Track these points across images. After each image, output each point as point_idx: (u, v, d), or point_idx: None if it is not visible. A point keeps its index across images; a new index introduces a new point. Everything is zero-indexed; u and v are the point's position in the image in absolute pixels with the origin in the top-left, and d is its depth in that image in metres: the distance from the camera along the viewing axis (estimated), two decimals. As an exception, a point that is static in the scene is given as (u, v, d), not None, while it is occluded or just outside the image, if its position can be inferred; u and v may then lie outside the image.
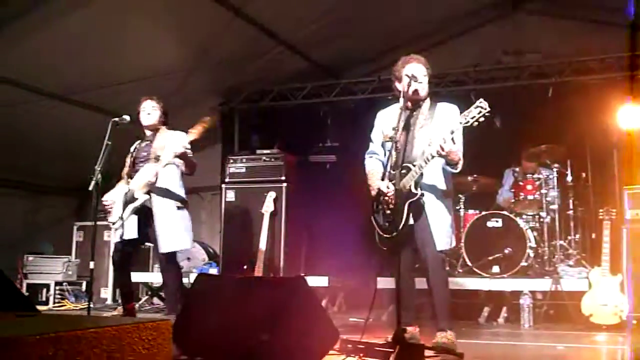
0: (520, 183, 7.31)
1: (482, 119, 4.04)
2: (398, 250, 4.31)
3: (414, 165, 4.33)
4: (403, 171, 4.37)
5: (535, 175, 7.29)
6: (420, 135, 4.47)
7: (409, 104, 4.51)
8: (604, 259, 5.87)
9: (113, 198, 5.46)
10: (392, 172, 4.30)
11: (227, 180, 7.83)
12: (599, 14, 7.96)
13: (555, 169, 7.23)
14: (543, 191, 7.08)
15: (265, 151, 7.79)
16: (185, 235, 5.50)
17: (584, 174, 7.47)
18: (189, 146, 5.25)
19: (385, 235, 4.46)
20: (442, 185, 4.50)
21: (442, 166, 4.48)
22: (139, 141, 5.74)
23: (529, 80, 8.00)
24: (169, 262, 5.45)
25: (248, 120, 9.43)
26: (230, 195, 7.75)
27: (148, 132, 5.66)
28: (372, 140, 4.83)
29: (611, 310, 5.70)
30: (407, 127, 4.51)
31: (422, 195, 4.36)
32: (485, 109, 4.02)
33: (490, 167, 7.73)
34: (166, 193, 5.41)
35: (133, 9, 6.67)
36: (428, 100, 4.62)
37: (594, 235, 7.27)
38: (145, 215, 5.40)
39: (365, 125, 5.04)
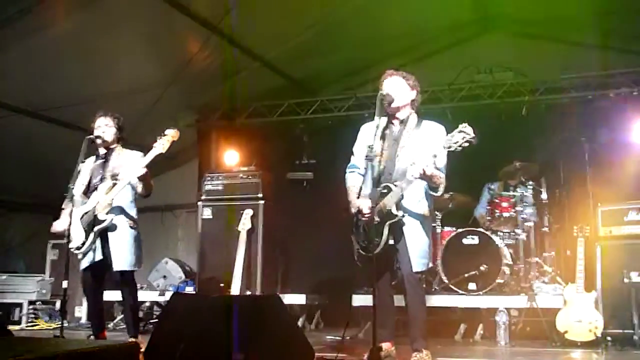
0: (496, 200, 7.35)
1: (465, 144, 4.02)
2: (376, 269, 4.29)
3: (396, 186, 4.32)
4: (384, 190, 4.36)
5: (511, 193, 7.34)
6: (403, 154, 4.45)
7: (391, 117, 4.52)
8: (578, 276, 5.90)
9: (67, 224, 5.14)
10: (372, 188, 4.28)
11: (203, 197, 7.79)
12: (570, 35, 8.09)
13: (530, 187, 7.29)
14: (518, 208, 7.11)
15: (242, 168, 7.77)
16: (139, 255, 5.36)
17: (558, 191, 7.53)
18: (145, 170, 5.11)
19: (364, 254, 4.45)
20: (423, 207, 4.50)
21: (424, 188, 4.48)
22: (90, 159, 5.47)
23: (502, 99, 8.09)
24: (125, 280, 5.32)
25: (225, 137, 9.41)
26: (207, 213, 7.70)
27: (102, 150, 5.47)
28: (354, 154, 4.78)
29: (586, 327, 5.72)
30: (391, 143, 4.51)
31: (403, 216, 4.36)
32: (469, 135, 4.00)
33: (465, 185, 7.74)
34: (120, 211, 5.29)
35: (108, 26, 6.63)
36: (415, 117, 4.60)
37: (568, 252, 7.30)
38: (100, 233, 5.25)
39: (342, 142, 5.02)
